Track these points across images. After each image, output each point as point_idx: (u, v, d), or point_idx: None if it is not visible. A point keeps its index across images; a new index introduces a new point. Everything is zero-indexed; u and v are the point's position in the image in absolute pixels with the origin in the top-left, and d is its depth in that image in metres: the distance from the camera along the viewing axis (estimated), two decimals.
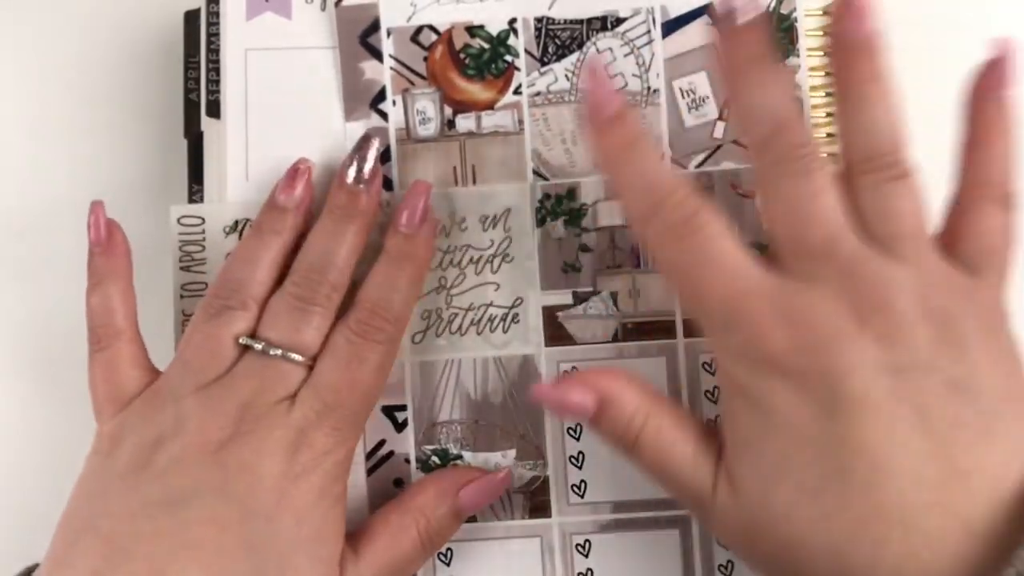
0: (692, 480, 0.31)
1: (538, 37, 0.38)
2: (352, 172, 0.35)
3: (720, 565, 0.37)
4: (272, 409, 0.32)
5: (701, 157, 0.38)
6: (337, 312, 0.35)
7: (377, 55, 0.38)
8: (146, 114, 0.37)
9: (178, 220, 0.38)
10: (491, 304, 0.38)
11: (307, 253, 0.35)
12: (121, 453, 0.32)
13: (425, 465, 0.37)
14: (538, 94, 0.38)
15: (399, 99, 0.38)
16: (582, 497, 0.37)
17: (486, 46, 0.38)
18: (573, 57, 0.38)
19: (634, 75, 0.38)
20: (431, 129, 0.38)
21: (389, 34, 0.38)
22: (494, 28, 0.38)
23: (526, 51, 0.38)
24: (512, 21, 0.38)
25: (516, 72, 0.38)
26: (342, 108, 0.38)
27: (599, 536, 0.37)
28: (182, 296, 0.38)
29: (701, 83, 0.38)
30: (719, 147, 0.38)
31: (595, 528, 0.37)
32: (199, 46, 0.38)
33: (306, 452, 0.32)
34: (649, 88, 0.38)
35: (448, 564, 0.37)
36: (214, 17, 0.38)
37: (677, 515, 0.37)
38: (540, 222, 0.38)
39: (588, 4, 0.38)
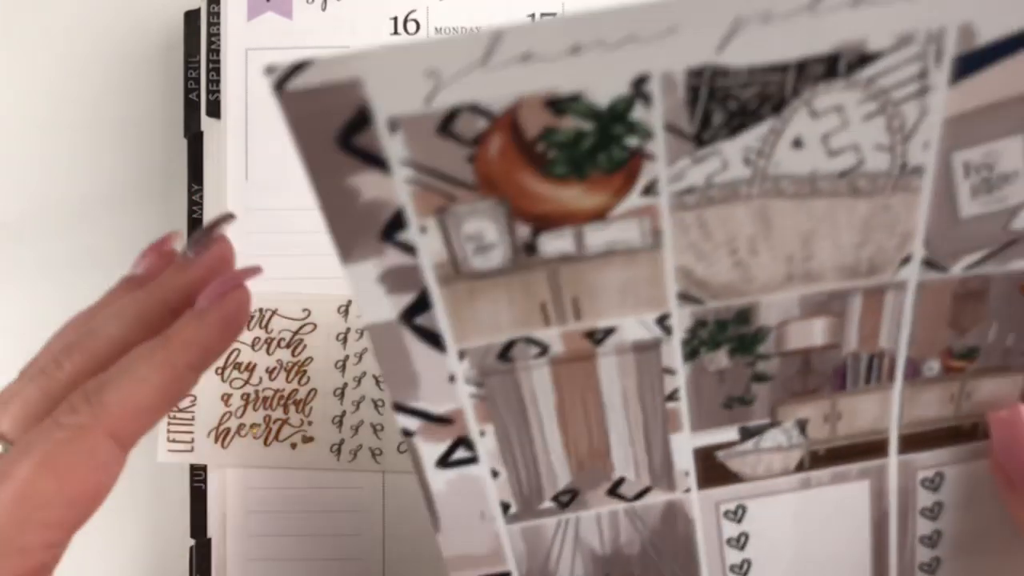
0: None
1: (693, 100, 0.19)
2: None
3: None
4: None
5: (977, 256, 0.22)
6: None
7: (378, 162, 0.19)
8: (146, 114, 0.38)
9: None
10: None
11: None
12: None
13: None
14: (689, 191, 0.20)
15: (432, 224, 0.21)
16: None
17: (588, 127, 0.19)
18: (762, 129, 0.19)
19: (880, 147, 0.20)
20: (495, 259, 0.21)
21: (395, 127, 0.19)
22: (602, 95, 0.19)
23: (668, 126, 0.19)
24: (640, 81, 0.18)
25: (646, 162, 0.20)
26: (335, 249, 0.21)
27: None
28: None
29: (1010, 153, 0.20)
30: (1012, 242, 0.21)
31: None
32: (199, 46, 0.38)
33: None
34: (905, 166, 0.20)
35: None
36: (214, 17, 0.37)
37: None
38: (690, 355, 0.24)
39: (800, 34, 0.18)
